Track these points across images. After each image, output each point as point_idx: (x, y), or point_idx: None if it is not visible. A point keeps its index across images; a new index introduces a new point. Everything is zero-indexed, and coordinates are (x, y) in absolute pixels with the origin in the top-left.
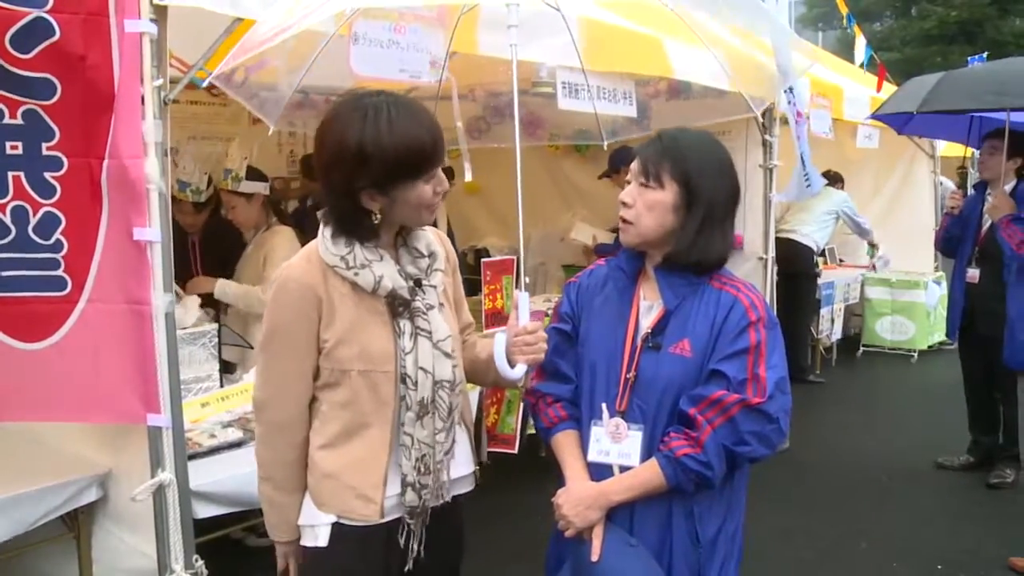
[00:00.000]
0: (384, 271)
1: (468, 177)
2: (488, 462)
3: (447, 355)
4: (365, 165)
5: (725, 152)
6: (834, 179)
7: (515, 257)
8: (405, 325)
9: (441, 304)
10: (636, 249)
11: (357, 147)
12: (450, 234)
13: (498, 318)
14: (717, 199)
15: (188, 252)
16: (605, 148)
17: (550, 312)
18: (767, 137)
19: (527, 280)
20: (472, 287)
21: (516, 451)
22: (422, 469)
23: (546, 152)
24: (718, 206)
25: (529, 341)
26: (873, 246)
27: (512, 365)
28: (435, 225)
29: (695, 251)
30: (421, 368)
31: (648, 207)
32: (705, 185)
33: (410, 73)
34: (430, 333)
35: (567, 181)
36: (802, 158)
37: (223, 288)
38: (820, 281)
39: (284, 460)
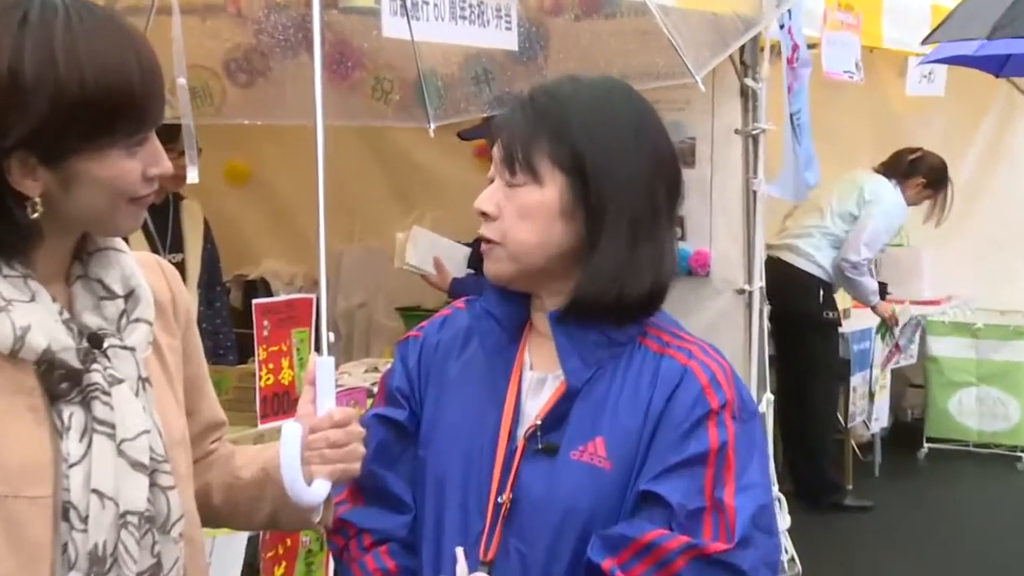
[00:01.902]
0: (34, 318)
1: (192, 178)
2: None
3: (140, 466)
4: (20, 106)
5: (646, 108)
6: (910, 170)
7: (313, 296)
8: (73, 415)
9: (144, 380)
10: (511, 287)
11: (8, 73)
12: (213, 258)
13: (282, 402)
14: (637, 189)
15: None
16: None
17: (375, 390)
18: (748, 82)
19: (332, 337)
20: (242, 348)
21: None
22: None
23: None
24: (641, 202)
25: (336, 440)
26: (889, 326)
27: (308, 481)
28: (160, 245)
29: (611, 281)
30: (95, 491)
31: (520, 214)
32: (614, 169)
33: None
34: (114, 428)
35: (405, 162)
36: (795, 126)
37: None
38: (847, 330)
39: None
